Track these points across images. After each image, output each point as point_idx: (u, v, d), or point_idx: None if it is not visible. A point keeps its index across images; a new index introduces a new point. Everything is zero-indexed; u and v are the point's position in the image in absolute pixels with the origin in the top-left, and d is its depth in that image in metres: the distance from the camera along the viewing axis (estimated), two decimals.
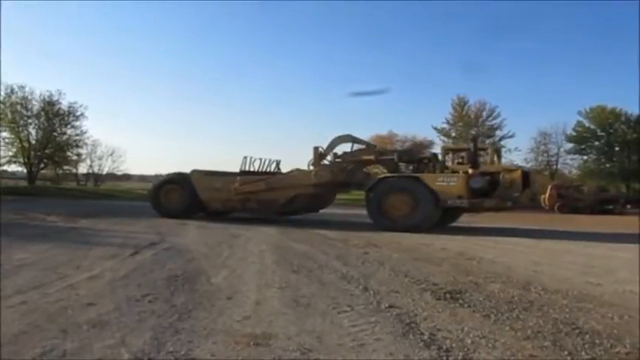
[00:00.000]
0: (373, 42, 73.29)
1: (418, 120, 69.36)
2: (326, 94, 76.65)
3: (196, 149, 77.87)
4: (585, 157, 46.76)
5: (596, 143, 45.68)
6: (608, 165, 44.79)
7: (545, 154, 47.29)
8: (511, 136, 45.88)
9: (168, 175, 15.91)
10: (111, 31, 75.61)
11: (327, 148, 14.18)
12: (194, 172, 15.16)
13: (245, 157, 14.92)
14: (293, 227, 12.37)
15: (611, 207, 26.46)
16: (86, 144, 45.45)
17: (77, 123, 41.30)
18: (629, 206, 28.33)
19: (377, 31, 73.96)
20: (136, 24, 74.32)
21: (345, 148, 14.34)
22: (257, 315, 4.25)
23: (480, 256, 8.06)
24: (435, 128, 47.22)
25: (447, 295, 5.12)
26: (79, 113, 40.79)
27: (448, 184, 12.14)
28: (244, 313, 4.30)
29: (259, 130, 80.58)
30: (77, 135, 42.04)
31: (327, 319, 4.16)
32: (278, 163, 15.94)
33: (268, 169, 15.65)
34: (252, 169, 15.18)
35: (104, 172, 54.55)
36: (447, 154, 14.69)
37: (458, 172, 12.71)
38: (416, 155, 14.51)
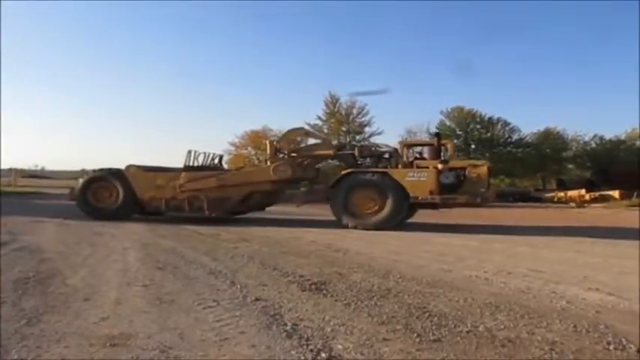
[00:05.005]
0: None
1: (291, 115, 69.91)
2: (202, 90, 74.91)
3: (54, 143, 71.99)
4: None
5: (455, 141, 49.56)
6: None
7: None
8: (379, 133, 48.13)
9: (96, 170, 13.94)
10: None
11: (281, 141, 13.66)
12: (130, 167, 13.50)
13: (190, 151, 13.52)
14: (161, 223, 11.95)
15: None
16: None
17: None
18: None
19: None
20: None
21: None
22: (116, 315, 4.08)
23: (346, 248, 8.42)
24: (308, 124, 48.16)
25: (313, 286, 5.30)
26: None
27: (419, 180, 11.76)
28: (102, 313, 4.11)
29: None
30: None
31: (191, 316, 4.11)
32: (221, 157, 14.95)
33: (212, 164, 14.50)
34: (196, 164, 13.77)
35: None
36: (404, 148, 13.91)
37: (427, 167, 12.19)
38: (376, 150, 14.06)
